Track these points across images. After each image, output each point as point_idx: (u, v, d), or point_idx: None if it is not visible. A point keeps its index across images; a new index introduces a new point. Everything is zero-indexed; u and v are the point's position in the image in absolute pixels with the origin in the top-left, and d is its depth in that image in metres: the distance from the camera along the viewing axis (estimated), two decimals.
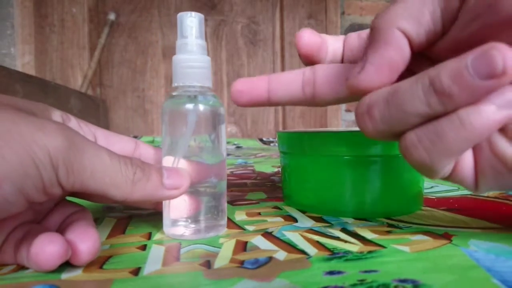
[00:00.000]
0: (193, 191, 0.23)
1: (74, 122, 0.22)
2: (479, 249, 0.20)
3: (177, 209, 0.23)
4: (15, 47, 1.23)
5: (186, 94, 0.23)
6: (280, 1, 1.39)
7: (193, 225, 0.23)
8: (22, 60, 1.23)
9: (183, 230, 0.23)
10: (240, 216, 0.28)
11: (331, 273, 0.17)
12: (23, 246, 0.18)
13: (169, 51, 1.33)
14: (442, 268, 0.17)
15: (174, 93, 0.23)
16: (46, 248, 0.16)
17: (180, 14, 0.22)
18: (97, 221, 0.27)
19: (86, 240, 0.18)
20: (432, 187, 0.39)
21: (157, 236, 0.23)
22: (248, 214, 0.28)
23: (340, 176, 0.26)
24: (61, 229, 0.19)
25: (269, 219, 0.27)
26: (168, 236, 0.23)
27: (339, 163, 0.26)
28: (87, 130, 0.23)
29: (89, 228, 0.19)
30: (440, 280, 0.16)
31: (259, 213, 0.29)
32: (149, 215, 0.29)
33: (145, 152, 0.26)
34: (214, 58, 1.36)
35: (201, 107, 0.22)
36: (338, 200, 0.27)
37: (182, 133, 0.22)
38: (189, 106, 0.22)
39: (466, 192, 0.35)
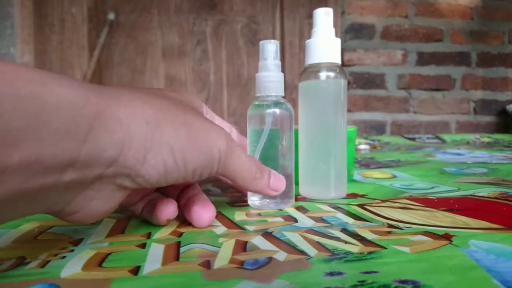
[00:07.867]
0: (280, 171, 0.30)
1: (209, 114, 0.29)
2: (480, 250, 0.20)
3: None
4: (14, 47, 1.23)
5: (265, 102, 0.30)
6: (280, 1, 1.39)
7: (268, 199, 0.30)
8: (22, 60, 1.23)
9: (262, 202, 0.30)
10: (240, 216, 0.28)
11: (331, 274, 0.17)
12: (154, 206, 0.25)
13: (169, 51, 1.33)
14: (442, 269, 0.17)
15: (256, 102, 0.31)
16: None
17: (262, 42, 0.30)
18: (96, 221, 0.27)
19: (208, 210, 0.25)
20: (432, 187, 0.38)
21: (156, 236, 0.23)
22: (248, 215, 0.28)
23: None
24: (184, 200, 0.26)
25: (269, 219, 0.27)
26: (252, 206, 0.31)
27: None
28: (210, 117, 0.28)
29: (207, 201, 0.26)
30: (441, 280, 0.16)
31: (259, 214, 0.29)
32: None
33: (237, 140, 0.32)
34: (214, 58, 1.36)
35: (277, 111, 0.30)
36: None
37: (262, 132, 0.30)
38: (268, 110, 0.30)
39: (466, 192, 0.35)
